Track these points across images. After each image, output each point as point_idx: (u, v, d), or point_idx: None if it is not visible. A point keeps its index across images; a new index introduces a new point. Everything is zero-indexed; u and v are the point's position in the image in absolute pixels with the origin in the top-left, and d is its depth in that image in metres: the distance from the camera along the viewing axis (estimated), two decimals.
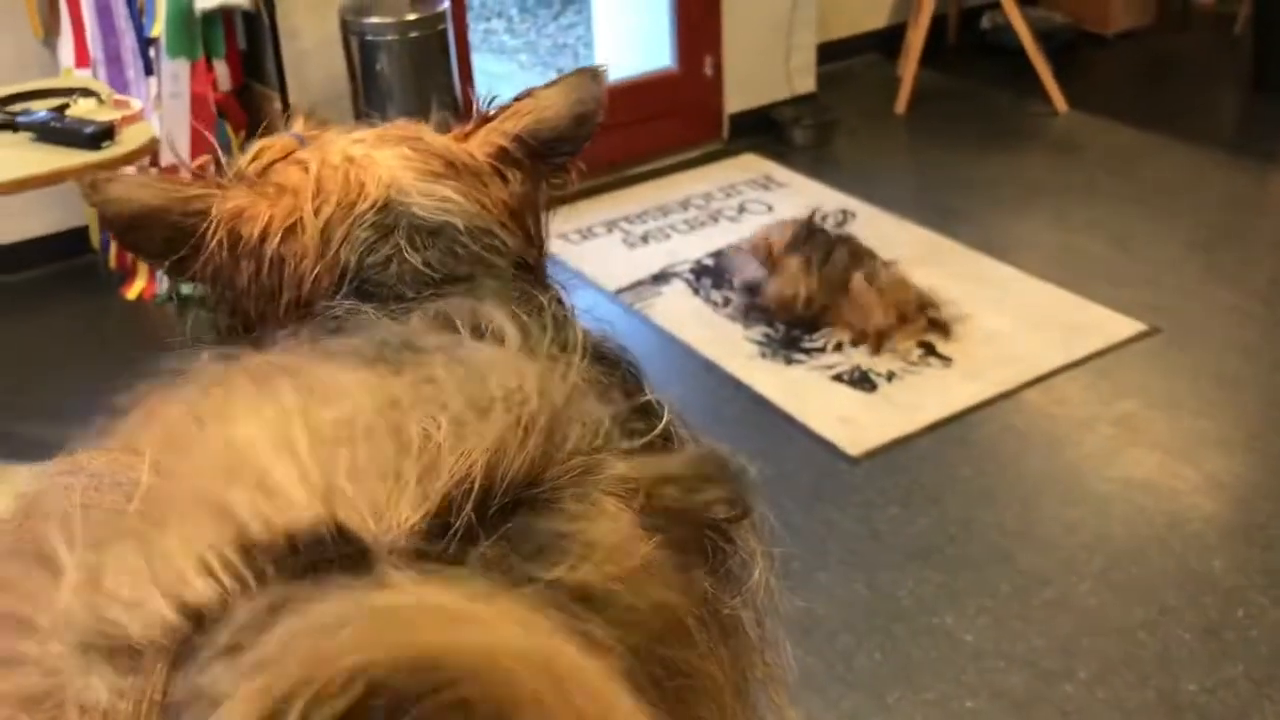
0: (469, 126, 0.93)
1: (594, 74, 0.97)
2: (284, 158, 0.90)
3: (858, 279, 3.07)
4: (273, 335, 0.85)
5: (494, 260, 0.83)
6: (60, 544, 0.34)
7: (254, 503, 0.34)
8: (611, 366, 0.71)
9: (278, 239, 0.85)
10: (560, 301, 0.88)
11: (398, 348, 0.42)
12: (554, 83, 0.96)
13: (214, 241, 0.85)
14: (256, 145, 0.93)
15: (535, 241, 0.93)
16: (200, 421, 0.38)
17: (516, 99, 0.95)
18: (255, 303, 0.87)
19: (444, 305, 0.52)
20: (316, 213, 0.85)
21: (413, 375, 0.40)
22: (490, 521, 0.38)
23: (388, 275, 0.81)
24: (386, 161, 0.87)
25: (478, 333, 0.53)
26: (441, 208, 0.84)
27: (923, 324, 3.04)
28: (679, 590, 0.44)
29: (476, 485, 0.37)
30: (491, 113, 0.94)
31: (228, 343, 0.89)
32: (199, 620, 0.31)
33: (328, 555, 0.33)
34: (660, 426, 0.59)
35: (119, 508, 0.35)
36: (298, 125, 0.95)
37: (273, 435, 0.36)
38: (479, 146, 0.91)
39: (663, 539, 0.44)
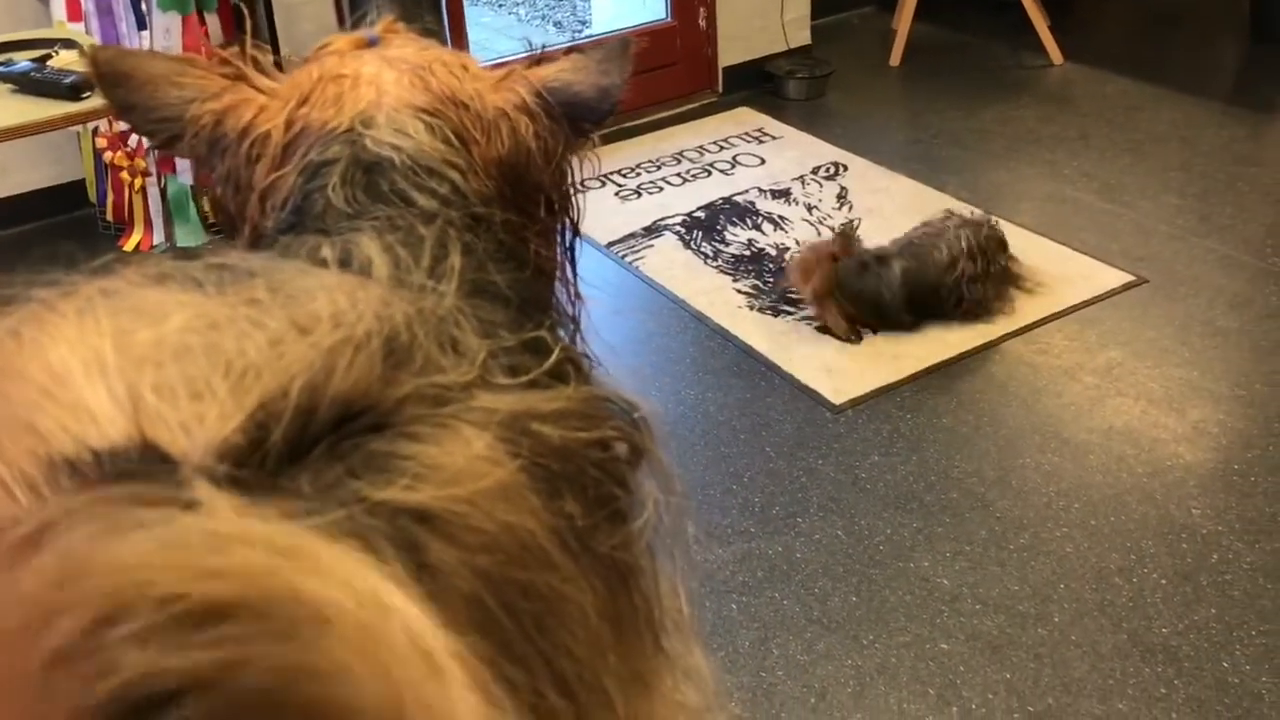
0: (511, 68, 0.90)
1: (626, 47, 0.94)
2: (326, 55, 0.88)
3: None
4: (244, 235, 0.85)
5: (422, 200, 0.78)
6: None
7: (61, 420, 0.34)
8: (501, 304, 0.67)
9: (251, 140, 0.84)
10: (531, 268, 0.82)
11: (225, 271, 0.42)
12: (596, 46, 0.93)
13: (200, 128, 0.85)
14: (330, 37, 0.91)
15: (541, 203, 0.89)
16: (20, 344, 0.38)
17: (567, 51, 0.92)
18: (232, 197, 0.86)
19: (320, 241, 0.52)
20: (289, 124, 0.83)
21: (235, 297, 0.40)
22: (316, 439, 0.37)
23: (314, 205, 0.78)
24: (383, 86, 0.84)
25: (346, 265, 0.52)
26: (393, 143, 0.81)
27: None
28: (537, 515, 0.43)
29: (295, 401, 0.36)
30: (537, 58, 0.91)
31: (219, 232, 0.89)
32: None
33: (135, 471, 0.32)
34: (549, 364, 0.57)
35: None
36: (382, 25, 0.93)
37: (85, 356, 0.36)
38: (501, 93, 0.88)
39: (527, 468, 0.44)
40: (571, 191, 0.91)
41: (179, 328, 0.38)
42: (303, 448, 0.37)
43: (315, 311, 0.40)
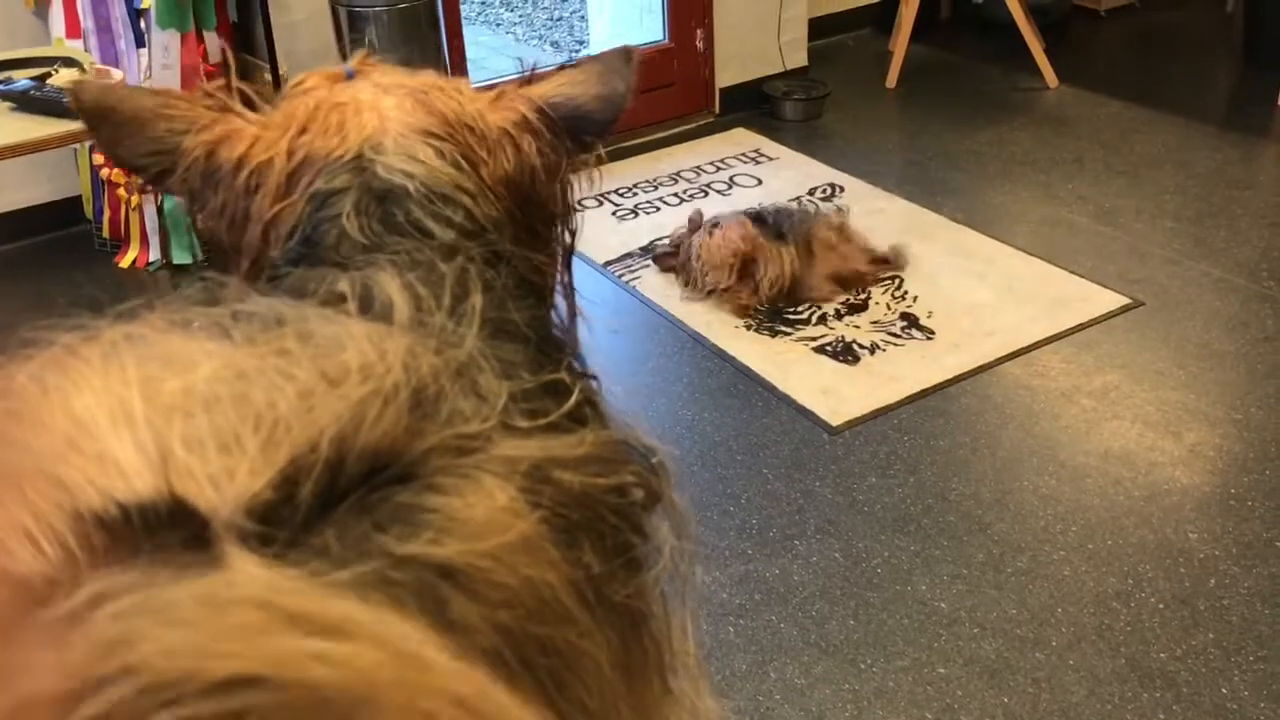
0: (505, 88, 0.89)
1: (628, 56, 0.93)
2: (311, 89, 0.86)
3: (820, 231, 3.15)
4: (241, 267, 0.84)
5: (439, 231, 0.77)
6: None
7: (87, 473, 0.33)
8: (520, 344, 0.66)
9: (249, 171, 0.82)
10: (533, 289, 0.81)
11: (254, 319, 0.41)
12: (595, 58, 0.92)
13: (193, 160, 0.83)
14: (303, 75, 0.89)
15: (547, 218, 0.88)
16: (44, 392, 0.37)
17: (561, 68, 0.91)
18: (227, 230, 0.84)
19: (338, 276, 0.51)
20: (290, 153, 0.81)
21: (264, 347, 0.39)
22: (345, 493, 0.36)
23: (326, 235, 0.77)
24: (385, 112, 0.83)
25: (366, 305, 0.52)
26: (405, 170, 0.79)
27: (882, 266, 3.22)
28: (557, 568, 0.43)
29: (324, 455, 0.36)
30: (530, 77, 0.90)
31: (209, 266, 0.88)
32: (21, 591, 0.30)
33: (164, 527, 0.32)
34: (567, 407, 0.57)
35: None
36: (356, 59, 0.92)
37: (111, 405, 0.35)
38: (501, 112, 0.87)
39: (548, 518, 0.43)
40: (573, 205, 0.91)
41: (207, 377, 0.37)
42: (330, 502, 0.36)
43: (344, 363, 0.39)
